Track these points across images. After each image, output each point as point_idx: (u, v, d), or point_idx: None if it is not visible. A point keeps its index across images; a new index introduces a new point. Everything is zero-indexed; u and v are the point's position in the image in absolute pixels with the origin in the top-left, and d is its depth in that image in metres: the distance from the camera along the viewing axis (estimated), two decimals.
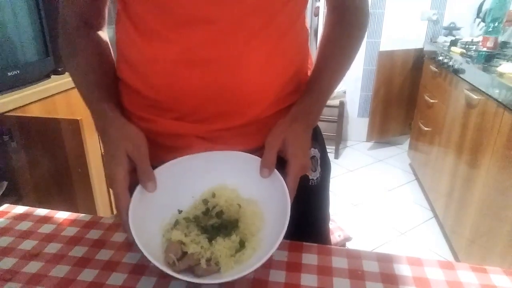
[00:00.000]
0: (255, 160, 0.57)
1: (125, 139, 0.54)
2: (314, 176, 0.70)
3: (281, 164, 0.56)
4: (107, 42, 0.70)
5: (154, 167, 0.59)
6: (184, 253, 0.50)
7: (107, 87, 0.65)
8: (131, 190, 0.53)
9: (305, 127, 0.60)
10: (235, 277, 0.44)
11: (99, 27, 0.69)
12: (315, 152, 0.70)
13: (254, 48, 0.56)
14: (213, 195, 0.58)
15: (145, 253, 0.44)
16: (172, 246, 0.50)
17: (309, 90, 0.64)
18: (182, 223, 0.54)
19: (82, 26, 0.66)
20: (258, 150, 0.59)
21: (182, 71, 0.56)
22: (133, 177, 0.53)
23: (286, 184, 0.53)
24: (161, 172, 0.56)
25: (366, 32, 0.70)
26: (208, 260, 0.49)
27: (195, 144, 0.61)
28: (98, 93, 0.63)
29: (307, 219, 0.71)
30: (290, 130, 0.57)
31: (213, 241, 0.51)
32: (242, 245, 0.51)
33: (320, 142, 0.73)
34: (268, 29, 0.56)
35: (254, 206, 0.56)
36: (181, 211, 0.56)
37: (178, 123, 0.60)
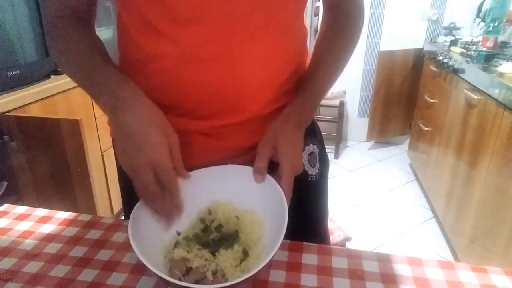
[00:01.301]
0: (245, 170, 0.57)
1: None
2: (313, 171, 0.71)
3: (274, 167, 0.57)
4: (99, 38, 0.64)
5: None
6: (189, 269, 0.49)
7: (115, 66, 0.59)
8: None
9: (297, 127, 0.61)
10: (239, 280, 0.43)
11: (89, 22, 0.65)
12: (314, 148, 0.72)
13: (255, 46, 0.56)
14: (209, 212, 0.58)
15: (146, 263, 0.43)
16: (175, 264, 0.50)
17: (302, 90, 0.65)
18: (182, 242, 0.54)
19: (72, 16, 0.62)
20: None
21: (184, 69, 0.56)
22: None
23: (281, 186, 0.53)
24: None
25: (362, 33, 0.70)
26: (214, 273, 0.49)
27: (197, 140, 0.62)
28: (109, 69, 0.56)
29: (307, 214, 0.72)
30: (281, 133, 0.58)
31: (216, 254, 0.51)
32: (246, 254, 0.51)
33: (318, 139, 0.74)
34: (269, 28, 0.57)
35: (252, 214, 0.56)
36: (179, 232, 0.56)
37: (180, 120, 0.61)
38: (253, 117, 0.62)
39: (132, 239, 0.46)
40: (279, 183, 0.54)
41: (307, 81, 0.65)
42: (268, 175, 0.56)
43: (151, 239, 0.52)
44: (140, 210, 0.52)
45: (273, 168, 0.57)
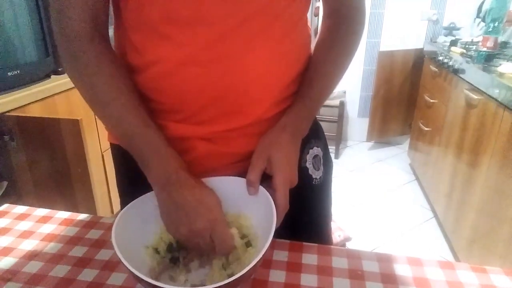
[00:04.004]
0: (237, 181, 0.57)
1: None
2: (317, 175, 0.70)
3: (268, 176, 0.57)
4: (119, 59, 0.60)
5: None
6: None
7: (149, 116, 0.58)
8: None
9: (293, 138, 0.60)
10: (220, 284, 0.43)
11: (108, 37, 0.59)
12: (318, 151, 0.71)
13: (257, 48, 0.56)
14: None
15: (129, 267, 0.43)
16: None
17: (299, 99, 0.63)
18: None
19: (97, 37, 0.56)
20: None
21: (186, 72, 0.56)
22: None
23: (276, 200, 0.53)
24: (144, 201, 0.55)
25: (361, 38, 0.69)
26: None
27: (199, 146, 0.61)
28: (154, 132, 0.56)
29: (311, 217, 0.72)
30: (275, 145, 0.58)
31: None
32: (248, 245, 0.53)
33: (322, 141, 0.73)
34: (272, 30, 0.56)
35: (242, 219, 0.57)
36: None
37: (181, 126, 0.60)
38: (256, 121, 0.61)
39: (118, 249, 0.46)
40: (273, 197, 0.54)
41: (304, 90, 0.64)
42: (261, 187, 0.56)
43: (138, 238, 0.53)
44: (129, 214, 0.53)
45: (266, 178, 0.57)
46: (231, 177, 0.59)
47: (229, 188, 0.57)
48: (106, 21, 0.59)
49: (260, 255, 0.44)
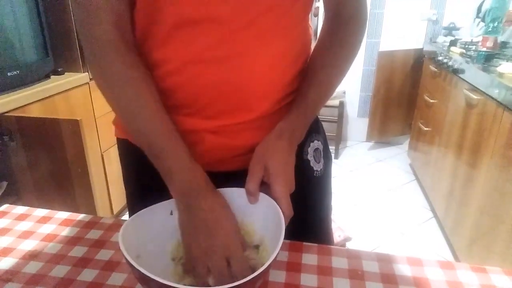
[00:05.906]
0: (237, 192, 0.57)
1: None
2: (318, 167, 0.72)
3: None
4: (148, 72, 0.59)
5: None
6: None
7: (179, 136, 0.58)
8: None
9: (289, 144, 0.61)
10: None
11: (134, 45, 0.58)
12: (318, 144, 0.72)
13: (264, 46, 0.57)
14: None
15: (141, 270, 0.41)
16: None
17: (296, 105, 0.63)
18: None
19: (123, 46, 0.56)
20: None
21: (195, 70, 0.57)
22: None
23: (281, 206, 0.53)
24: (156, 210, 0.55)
25: (362, 44, 0.68)
26: None
27: (206, 138, 0.62)
28: (180, 145, 0.56)
29: (313, 210, 0.73)
30: (272, 152, 0.58)
31: None
32: (257, 247, 0.53)
33: (322, 135, 0.75)
34: (278, 27, 0.57)
35: (246, 226, 0.57)
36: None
37: (190, 119, 0.61)
38: (261, 115, 0.62)
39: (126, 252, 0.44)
40: (277, 204, 0.54)
41: (301, 96, 0.64)
42: (261, 193, 0.56)
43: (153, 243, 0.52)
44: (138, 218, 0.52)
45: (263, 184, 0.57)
46: (231, 188, 0.59)
47: (229, 199, 0.57)
48: (131, 28, 0.58)
49: (270, 260, 0.44)
